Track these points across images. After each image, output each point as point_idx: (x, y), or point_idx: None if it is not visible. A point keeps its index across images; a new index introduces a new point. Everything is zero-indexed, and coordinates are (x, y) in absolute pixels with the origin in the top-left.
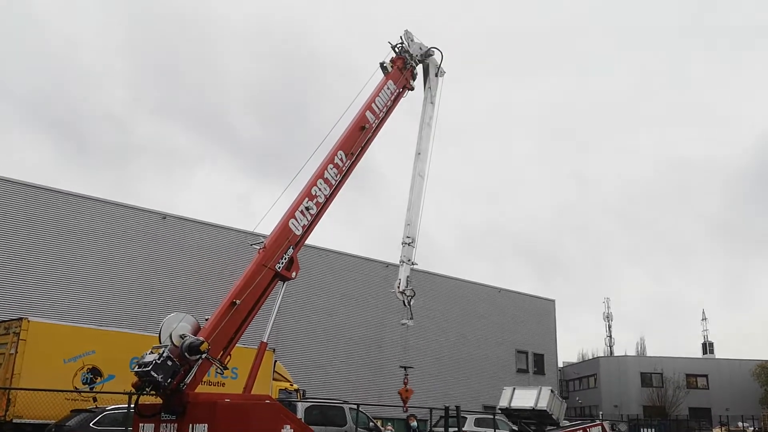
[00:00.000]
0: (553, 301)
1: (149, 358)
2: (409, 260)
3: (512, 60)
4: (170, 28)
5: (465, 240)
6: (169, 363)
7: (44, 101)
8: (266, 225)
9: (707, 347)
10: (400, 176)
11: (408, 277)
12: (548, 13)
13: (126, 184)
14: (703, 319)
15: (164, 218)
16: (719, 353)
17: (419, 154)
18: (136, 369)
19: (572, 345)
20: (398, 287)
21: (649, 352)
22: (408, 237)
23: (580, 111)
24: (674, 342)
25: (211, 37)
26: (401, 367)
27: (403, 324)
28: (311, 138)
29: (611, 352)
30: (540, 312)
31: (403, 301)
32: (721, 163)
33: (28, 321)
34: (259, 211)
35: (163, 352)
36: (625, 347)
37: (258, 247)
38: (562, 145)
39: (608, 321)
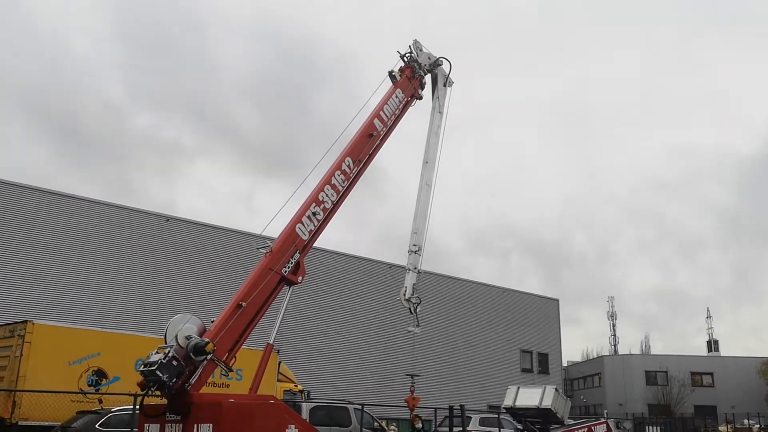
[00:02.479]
0: (557, 300)
1: (155, 357)
2: (415, 268)
3: (515, 52)
4: (167, 18)
5: (470, 237)
6: (174, 363)
7: (37, 92)
8: (273, 229)
9: (712, 345)
10: (404, 173)
11: (414, 284)
12: (549, 2)
13: (124, 177)
14: (708, 317)
15: (167, 221)
16: (725, 349)
17: (426, 162)
18: (141, 368)
19: (578, 340)
20: (404, 295)
21: (654, 351)
22: (415, 245)
23: (585, 101)
24: (680, 339)
25: (208, 27)
26: (407, 375)
27: (409, 331)
28: (311, 128)
29: (615, 351)
30: (544, 311)
31: (409, 309)
32: (731, 150)
33: (33, 324)
34: (258, 205)
35: (169, 352)
36: (629, 346)
37: (264, 251)
38: (568, 137)
39: (612, 320)
